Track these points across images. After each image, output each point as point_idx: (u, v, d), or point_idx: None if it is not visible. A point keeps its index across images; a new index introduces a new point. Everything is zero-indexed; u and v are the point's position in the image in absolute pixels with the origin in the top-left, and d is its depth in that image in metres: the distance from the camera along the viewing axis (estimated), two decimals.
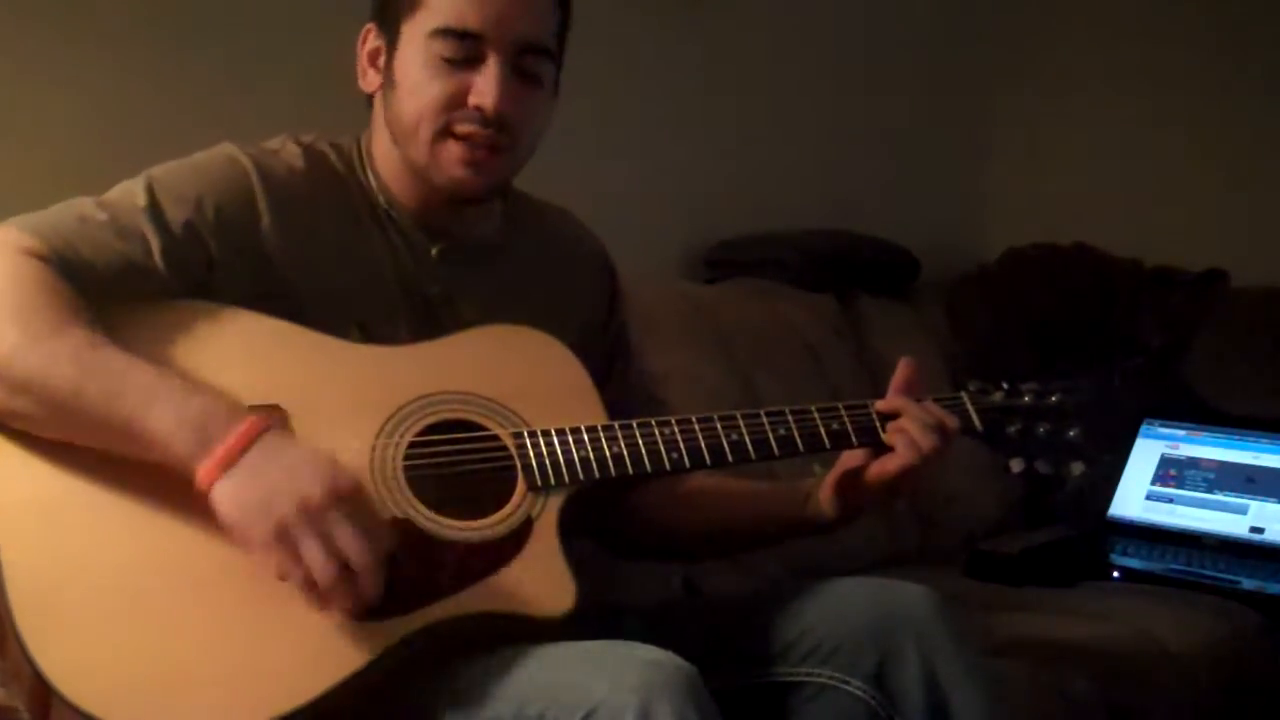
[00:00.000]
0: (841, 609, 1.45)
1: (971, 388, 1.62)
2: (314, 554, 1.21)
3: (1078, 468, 1.61)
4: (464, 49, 1.43)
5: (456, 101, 1.44)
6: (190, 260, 1.39)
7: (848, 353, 2.71)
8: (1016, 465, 1.61)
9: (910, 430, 1.49)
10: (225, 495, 1.23)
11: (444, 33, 1.42)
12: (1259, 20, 3.09)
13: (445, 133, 1.45)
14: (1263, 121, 3.08)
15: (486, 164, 1.46)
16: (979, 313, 2.98)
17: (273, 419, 1.27)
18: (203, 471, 1.23)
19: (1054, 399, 1.61)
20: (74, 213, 1.37)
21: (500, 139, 1.45)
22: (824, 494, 1.55)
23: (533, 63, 1.46)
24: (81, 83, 1.98)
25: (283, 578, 1.23)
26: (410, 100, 1.45)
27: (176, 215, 1.39)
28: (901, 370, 1.57)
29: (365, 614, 1.26)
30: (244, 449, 1.23)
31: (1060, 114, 3.33)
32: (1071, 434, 1.60)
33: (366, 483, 1.31)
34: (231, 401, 1.27)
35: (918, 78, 3.21)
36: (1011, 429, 1.60)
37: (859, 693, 1.42)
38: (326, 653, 1.25)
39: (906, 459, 1.49)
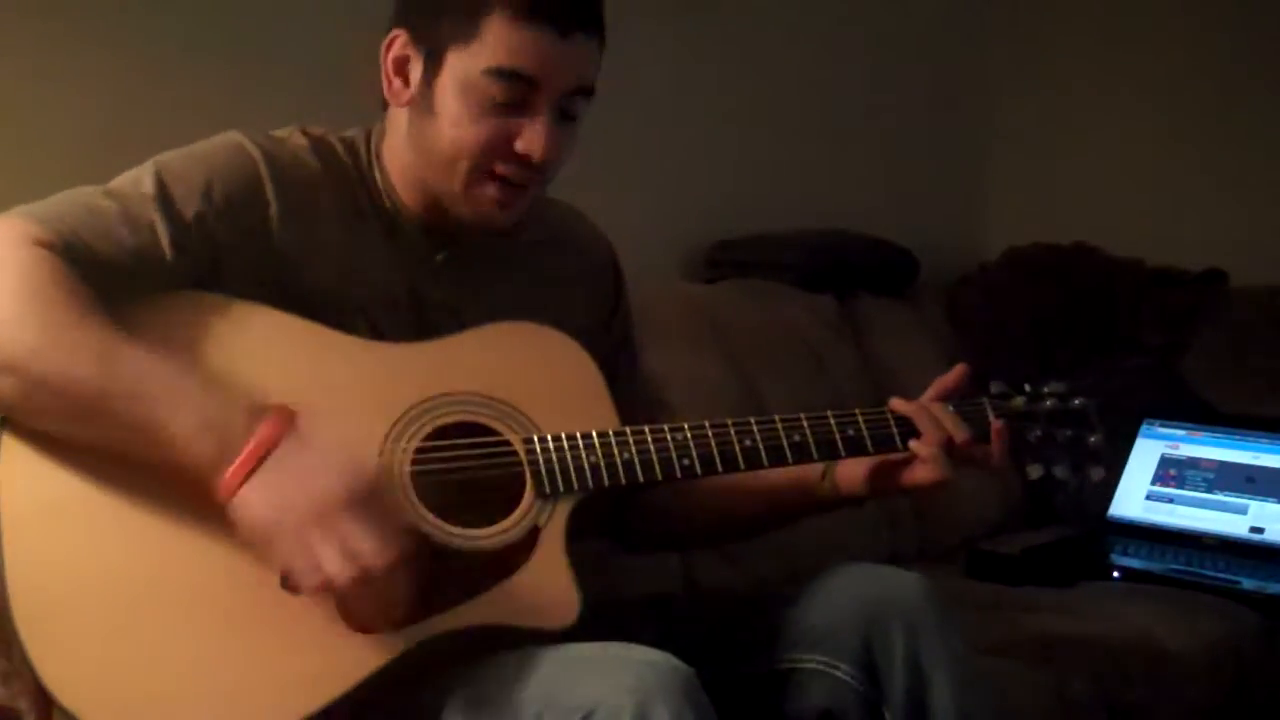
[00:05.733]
0: (833, 595, 1.47)
1: (994, 390, 1.58)
2: (329, 556, 1.20)
3: (1098, 473, 1.57)
4: (516, 92, 1.39)
5: (501, 145, 1.41)
6: (199, 249, 1.36)
7: (848, 353, 2.71)
8: (1034, 471, 1.55)
9: (924, 453, 1.50)
10: (243, 506, 1.21)
11: (499, 73, 1.38)
12: (1259, 20, 3.09)
13: (484, 171, 1.42)
14: (1262, 122, 3.07)
15: (519, 204, 1.45)
16: (979, 312, 2.98)
17: (291, 419, 1.25)
18: (222, 484, 1.21)
19: (1078, 403, 1.57)
20: (81, 202, 1.34)
21: (537, 180, 1.45)
22: (848, 470, 1.56)
23: (575, 103, 1.44)
24: (85, 80, 1.98)
25: (301, 585, 1.22)
26: (451, 133, 1.41)
27: (186, 203, 1.36)
28: (948, 376, 1.56)
29: (395, 624, 1.25)
30: (261, 459, 1.21)
31: (1060, 114, 3.33)
32: (1093, 439, 1.56)
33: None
34: (251, 403, 1.25)
35: (918, 78, 3.21)
36: (1032, 435, 1.56)
37: (845, 676, 1.43)
38: (328, 666, 1.24)
39: (919, 479, 1.51)
